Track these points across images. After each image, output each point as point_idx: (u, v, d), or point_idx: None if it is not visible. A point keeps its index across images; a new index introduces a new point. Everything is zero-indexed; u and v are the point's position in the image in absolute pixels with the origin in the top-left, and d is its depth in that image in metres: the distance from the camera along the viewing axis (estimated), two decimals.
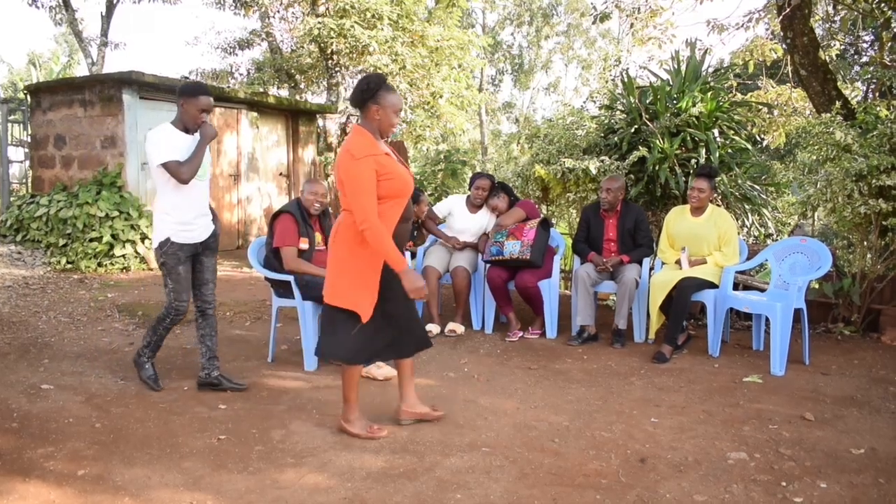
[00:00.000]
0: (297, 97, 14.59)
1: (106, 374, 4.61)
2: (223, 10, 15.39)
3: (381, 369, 4.58)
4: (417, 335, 3.76)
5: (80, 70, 22.73)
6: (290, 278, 4.75)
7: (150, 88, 9.79)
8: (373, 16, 12.58)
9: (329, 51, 13.17)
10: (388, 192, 3.42)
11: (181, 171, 3.98)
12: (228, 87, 13.74)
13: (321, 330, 3.69)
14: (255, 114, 11.56)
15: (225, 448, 3.44)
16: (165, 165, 3.96)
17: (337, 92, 14.40)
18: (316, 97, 15.52)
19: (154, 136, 4.02)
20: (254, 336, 5.75)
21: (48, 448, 3.40)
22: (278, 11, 14.99)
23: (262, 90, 13.32)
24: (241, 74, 15.99)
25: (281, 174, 12.36)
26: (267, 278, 5.00)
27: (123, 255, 8.84)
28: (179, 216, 4.08)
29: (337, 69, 13.96)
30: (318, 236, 4.99)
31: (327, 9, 13.03)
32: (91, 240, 8.78)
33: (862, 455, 3.44)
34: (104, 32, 16.85)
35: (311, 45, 13.42)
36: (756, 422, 3.88)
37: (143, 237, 9.05)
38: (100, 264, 8.70)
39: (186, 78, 12.48)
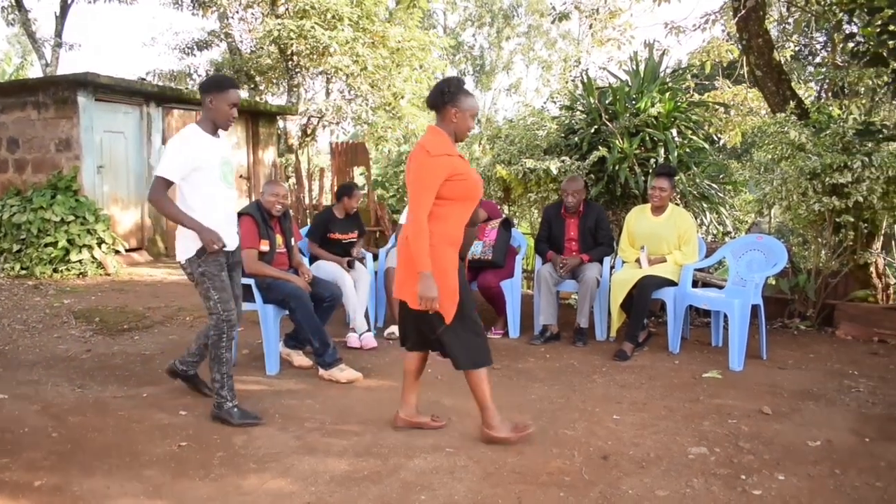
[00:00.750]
0: (257, 98, 14.47)
1: (63, 383, 4.52)
2: (181, 10, 15.22)
3: (344, 372, 4.56)
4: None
5: (34, 72, 22.24)
6: (251, 281, 4.71)
7: (106, 90, 9.64)
8: (333, 17, 12.54)
9: (289, 52, 13.10)
10: (460, 194, 3.41)
11: (154, 195, 3.67)
12: (187, 88, 13.57)
13: (448, 346, 3.49)
14: None
15: (186, 455, 3.40)
16: (156, 179, 3.66)
17: (297, 93, 14.32)
18: (276, 98, 15.42)
19: (176, 143, 3.68)
20: None
21: (3, 459, 3.33)
22: (237, 12, 14.85)
23: None
24: (199, 76, 15.82)
25: (241, 176, 12.24)
26: None
27: (80, 261, 8.67)
28: (213, 224, 3.70)
29: (297, 70, 13.88)
30: (279, 238, 4.95)
31: (287, 9, 12.95)
32: (46, 245, 8.60)
33: (818, 447, 3.52)
34: (58, 33, 16.55)
35: (271, 46, 13.34)
36: (716, 416, 3.94)
37: (100, 242, 8.90)
38: (55, 270, 8.53)
39: (143, 79, 12.32)
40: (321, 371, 4.63)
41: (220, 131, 3.83)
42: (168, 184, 3.65)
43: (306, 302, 4.67)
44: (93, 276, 8.67)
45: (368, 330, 5.52)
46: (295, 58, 13.36)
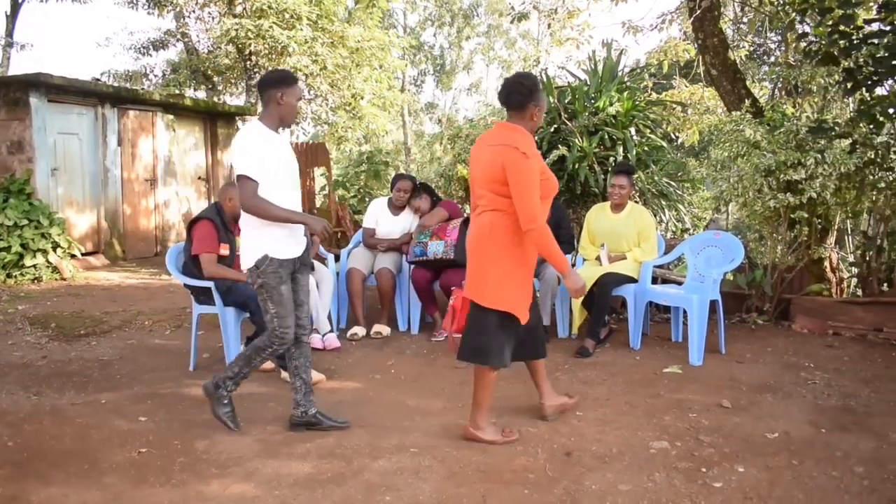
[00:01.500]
0: (215, 99, 14.31)
1: (18, 390, 4.42)
2: (136, 9, 14.95)
3: None
4: (541, 335, 3.86)
5: None
6: (211, 284, 4.65)
7: (60, 91, 9.44)
8: (291, 16, 12.45)
9: (247, 52, 12.98)
10: (545, 193, 3.43)
11: (250, 199, 3.42)
12: (143, 88, 13.36)
13: (467, 331, 3.56)
14: (171, 116, 11.27)
15: (146, 461, 3.35)
16: (242, 180, 3.42)
17: (256, 93, 14.17)
18: (235, 99, 15.24)
19: (243, 139, 3.50)
20: (174, 345, 5.60)
21: None
22: (193, 11, 14.65)
23: (178, 92, 12.99)
24: (155, 76, 15.59)
25: (199, 178, 12.10)
26: (186, 285, 4.88)
27: (34, 266, 8.48)
28: (277, 229, 3.52)
29: (256, 70, 13.75)
30: (239, 241, 4.88)
31: (244, 9, 12.82)
32: None
33: (776, 439, 3.59)
34: (9, 33, 16.18)
35: (229, 45, 13.20)
36: (676, 411, 4.00)
37: (55, 246, 8.71)
38: (9, 275, 8.33)
39: (98, 80, 12.09)
40: (283, 373, 4.58)
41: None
42: (256, 183, 3.42)
43: None
44: (48, 281, 8.49)
45: (331, 331, 5.50)
46: (253, 58, 13.23)
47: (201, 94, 14.81)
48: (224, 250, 4.73)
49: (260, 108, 12.75)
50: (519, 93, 3.44)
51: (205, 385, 3.72)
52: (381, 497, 2.97)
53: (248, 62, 13.54)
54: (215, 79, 14.83)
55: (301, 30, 12.43)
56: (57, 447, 3.52)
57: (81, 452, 3.45)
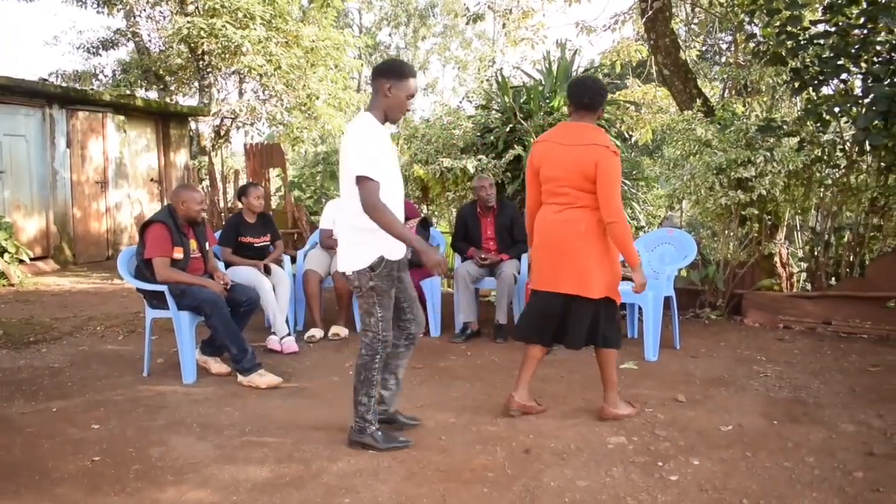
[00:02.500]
0: (168, 99, 14.07)
1: None
2: (84, 8, 14.61)
3: (264, 377, 4.49)
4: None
5: None
6: (164, 288, 4.57)
7: (5, 91, 9.20)
8: (245, 15, 12.30)
9: (200, 51, 12.80)
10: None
11: (376, 203, 3.18)
12: (92, 89, 13.08)
13: (579, 325, 3.70)
14: (122, 117, 11.06)
15: (100, 470, 3.28)
16: (362, 181, 3.19)
17: (209, 94, 13.98)
18: (187, 99, 15.01)
19: (357, 135, 3.26)
20: (127, 350, 5.50)
21: None
22: (144, 10, 14.39)
23: (129, 92, 12.74)
24: (105, 76, 15.25)
25: (152, 180, 11.89)
26: (139, 289, 4.79)
27: None
28: (376, 231, 3.31)
29: (209, 70, 13.57)
30: (193, 244, 4.82)
31: (197, 8, 12.63)
32: None
33: (730, 431, 3.66)
34: None
35: (181, 45, 12.98)
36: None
37: (2, 251, 8.49)
38: None
39: (45, 80, 11.79)
40: (240, 377, 4.53)
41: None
42: (378, 184, 3.20)
43: (222, 307, 4.57)
44: None
45: (289, 333, 5.44)
46: (206, 57, 13.04)
47: (153, 95, 14.54)
48: (178, 253, 4.64)
49: (214, 109, 12.51)
50: (599, 94, 3.66)
51: (352, 441, 3.48)
52: (341, 499, 2.96)
53: (201, 62, 13.35)
54: (167, 79, 14.58)
55: (255, 29, 12.29)
56: (6, 458, 3.43)
57: (32, 463, 3.36)
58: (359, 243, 3.34)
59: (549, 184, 3.67)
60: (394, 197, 3.35)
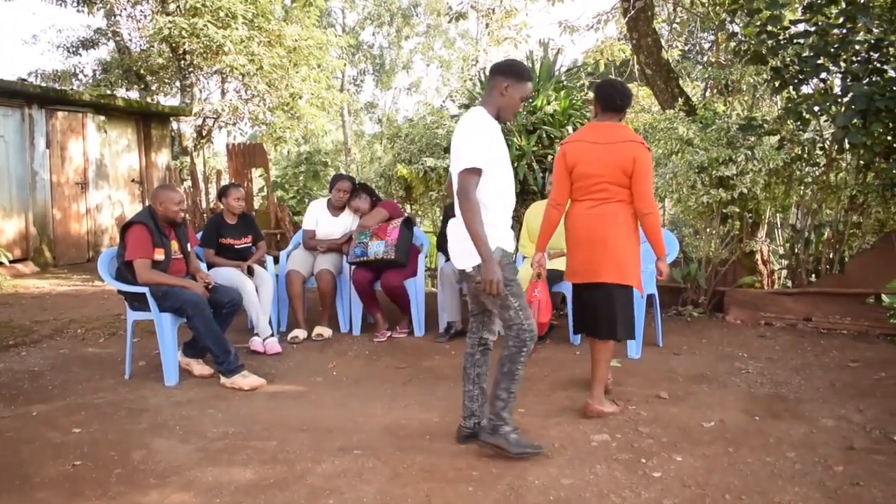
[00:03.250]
0: (149, 99, 13.98)
1: None
2: (64, 6, 14.47)
3: (247, 379, 4.47)
4: None
5: None
6: (145, 290, 4.54)
7: None
8: (226, 15, 12.23)
9: (181, 51, 12.71)
10: None
11: (470, 195, 3.15)
12: (72, 89, 12.97)
13: (610, 313, 3.81)
14: (102, 117, 10.97)
15: (81, 474, 3.25)
16: (465, 172, 3.16)
17: (191, 93, 13.90)
18: (169, 99, 14.91)
19: (470, 125, 3.23)
20: (109, 353, 5.45)
21: None
22: (125, 9, 14.26)
23: (109, 92, 12.64)
24: (86, 76, 15.12)
25: (133, 181, 11.81)
26: (120, 291, 4.76)
27: None
28: (504, 225, 3.35)
29: (190, 70, 13.49)
30: (175, 245, 4.78)
31: (178, 7, 12.54)
32: None
33: (712, 427, 3.68)
34: None
35: (162, 44, 12.89)
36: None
37: None
38: None
39: (24, 80, 11.67)
40: (223, 379, 4.51)
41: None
42: (479, 176, 3.18)
43: (204, 309, 4.54)
44: None
45: (272, 334, 5.42)
46: (188, 57, 12.95)
47: (134, 95, 14.42)
48: (159, 255, 4.61)
49: (196, 108, 12.41)
50: (628, 97, 3.87)
51: (483, 440, 3.35)
52: (325, 501, 2.95)
53: (183, 61, 13.25)
54: (148, 78, 14.47)
55: (237, 29, 12.22)
56: None
57: (12, 467, 3.33)
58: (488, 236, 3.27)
59: (585, 181, 3.79)
60: (506, 190, 3.40)
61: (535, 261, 4.06)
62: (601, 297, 3.82)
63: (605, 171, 3.72)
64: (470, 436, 3.50)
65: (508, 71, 3.36)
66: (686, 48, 13.53)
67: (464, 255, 3.31)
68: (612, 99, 3.81)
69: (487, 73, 3.43)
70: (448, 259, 5.83)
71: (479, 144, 3.18)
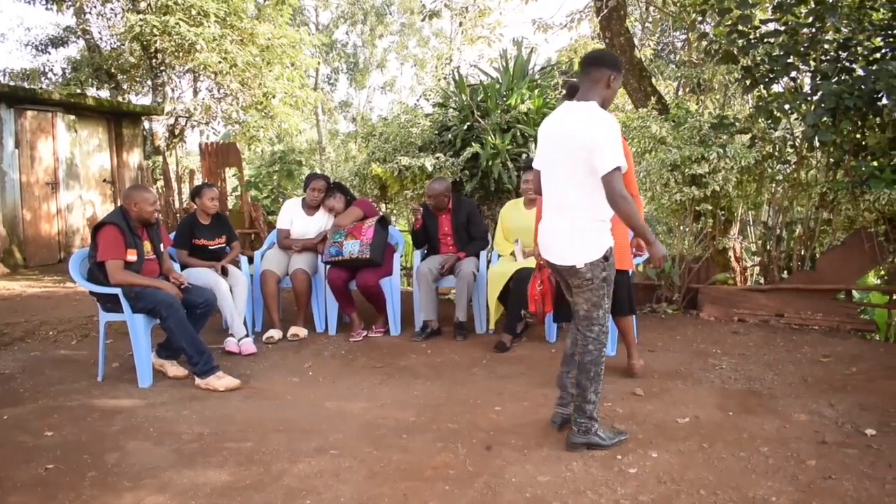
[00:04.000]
0: (120, 98, 13.80)
1: None
2: (32, 4, 14.26)
3: (222, 380, 4.44)
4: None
5: None
6: (118, 291, 4.49)
7: None
8: (198, 13, 12.10)
9: (153, 49, 12.55)
10: None
11: (624, 194, 3.11)
12: (41, 88, 12.78)
13: (628, 292, 4.46)
14: (72, 117, 10.82)
15: (54, 478, 3.21)
16: (613, 172, 3.10)
17: (163, 92, 13.76)
18: (141, 98, 14.75)
19: (605, 125, 3.15)
20: (81, 355, 5.38)
21: None
22: (95, 6, 14.07)
23: (79, 91, 12.47)
24: (55, 74, 14.92)
25: (105, 181, 11.66)
26: (92, 292, 4.70)
27: None
28: (609, 219, 3.33)
29: (162, 69, 13.35)
30: (147, 245, 4.73)
31: (149, 5, 12.40)
32: None
33: (687, 423, 3.72)
34: None
35: (133, 43, 12.73)
36: None
37: None
38: None
39: None
40: (197, 380, 4.48)
41: None
42: (622, 174, 3.14)
43: (178, 309, 4.50)
44: None
45: (247, 335, 5.38)
46: (159, 55, 12.80)
47: (105, 94, 14.24)
48: (131, 256, 4.56)
49: (168, 107, 12.20)
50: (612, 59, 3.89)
51: (574, 444, 3.38)
52: (302, 501, 2.94)
53: (154, 60, 13.11)
54: (119, 77, 14.28)
55: (209, 27, 12.11)
56: None
57: None
58: (594, 233, 3.28)
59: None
60: (632, 186, 3.60)
61: (536, 254, 4.12)
62: (624, 280, 4.39)
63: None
64: (566, 422, 3.56)
65: (613, 63, 3.33)
66: (658, 47, 13.64)
67: (574, 250, 3.29)
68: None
69: (583, 65, 3.35)
70: (425, 256, 5.84)
71: (618, 143, 3.15)
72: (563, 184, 3.29)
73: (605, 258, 3.28)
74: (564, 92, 3.65)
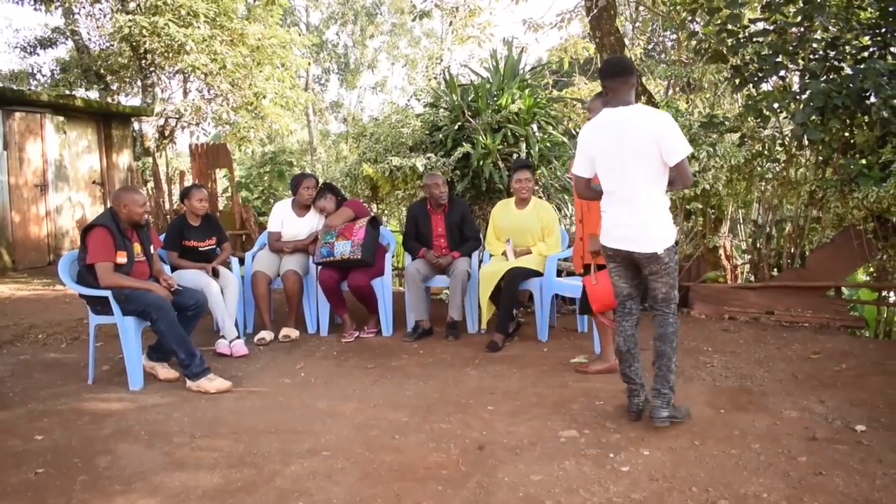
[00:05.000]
0: (109, 99, 13.74)
1: None
2: (20, 5, 14.16)
3: (213, 382, 4.42)
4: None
5: None
6: (108, 294, 4.47)
7: None
8: (188, 13, 12.07)
9: (142, 50, 12.50)
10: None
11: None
12: (30, 89, 12.71)
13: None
14: (61, 118, 10.76)
15: (44, 482, 3.19)
16: (685, 160, 3.50)
17: (153, 93, 13.71)
18: (130, 99, 14.68)
19: (666, 117, 3.54)
20: (71, 358, 5.35)
21: None
22: (83, 7, 14.00)
23: (68, 92, 12.40)
24: (44, 76, 14.81)
25: (94, 182, 11.60)
26: (82, 295, 4.68)
27: None
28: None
29: (152, 69, 13.30)
30: (137, 247, 4.71)
31: (138, 5, 12.35)
32: None
33: (679, 421, 3.72)
34: None
35: (123, 43, 12.67)
36: (584, 400, 4.10)
37: None
38: None
39: None
40: (189, 382, 4.46)
41: None
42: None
43: (168, 311, 4.48)
44: None
45: (238, 337, 5.37)
46: (149, 56, 12.75)
47: (94, 95, 14.16)
48: (121, 258, 4.53)
49: (158, 108, 12.14)
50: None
51: (659, 418, 3.61)
52: (294, 503, 2.93)
53: (144, 61, 13.05)
54: (109, 78, 14.21)
55: (198, 27, 12.07)
56: None
57: None
58: (668, 221, 3.62)
59: None
60: None
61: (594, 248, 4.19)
62: None
63: None
64: (642, 410, 3.79)
65: (634, 68, 3.71)
66: (649, 47, 13.68)
67: (655, 238, 3.57)
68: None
69: (616, 74, 3.63)
70: (415, 258, 5.84)
71: (680, 132, 3.53)
72: (638, 179, 3.54)
73: (676, 243, 3.65)
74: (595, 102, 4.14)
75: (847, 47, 5.94)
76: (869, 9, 6.02)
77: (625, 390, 3.85)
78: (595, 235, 4.10)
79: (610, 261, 3.79)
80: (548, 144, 6.94)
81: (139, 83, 13.89)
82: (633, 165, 3.52)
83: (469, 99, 7.01)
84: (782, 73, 6.26)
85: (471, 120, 6.71)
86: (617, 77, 3.59)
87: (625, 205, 3.61)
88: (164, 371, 4.74)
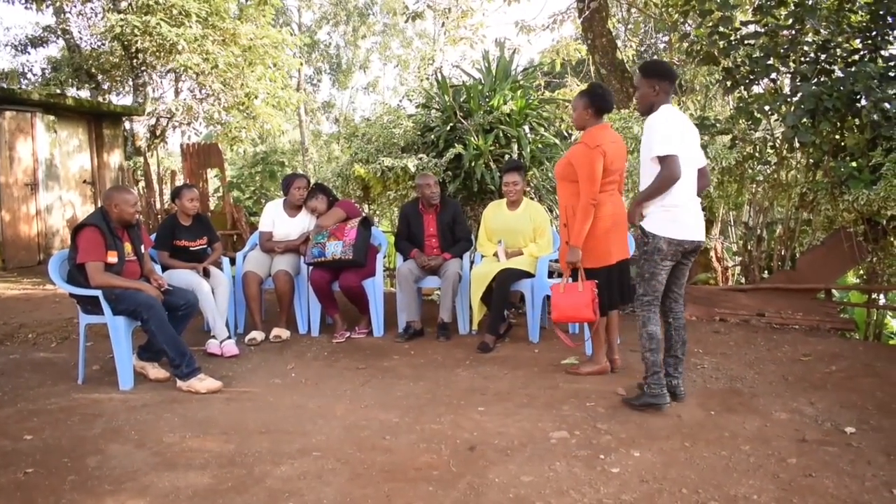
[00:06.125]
0: (100, 98, 13.69)
1: None
2: (11, 4, 14.10)
3: (204, 382, 4.41)
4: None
5: None
6: (98, 293, 4.45)
7: None
8: (180, 12, 12.03)
9: (134, 49, 12.46)
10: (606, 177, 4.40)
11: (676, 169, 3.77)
12: (20, 88, 12.65)
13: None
14: (52, 117, 10.72)
15: (33, 482, 3.17)
16: (669, 157, 3.75)
17: (144, 93, 13.66)
18: (121, 98, 14.63)
19: (662, 118, 3.80)
20: (61, 358, 5.32)
21: None
22: (75, 6, 13.94)
23: (59, 91, 12.35)
24: (34, 75, 14.75)
25: (85, 181, 11.55)
26: (72, 295, 4.65)
27: None
28: (692, 209, 3.99)
29: (143, 69, 13.25)
30: (128, 247, 4.69)
31: (130, 5, 12.31)
32: None
33: (669, 423, 3.74)
34: None
35: (114, 43, 12.64)
36: (575, 401, 4.10)
37: None
38: None
39: None
40: (179, 382, 4.44)
41: None
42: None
43: (159, 311, 4.46)
44: None
45: (229, 337, 5.35)
46: (140, 55, 12.71)
47: (85, 94, 14.11)
48: (112, 257, 4.51)
49: (149, 108, 12.11)
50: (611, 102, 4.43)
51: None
52: (284, 503, 2.92)
53: (135, 60, 13.01)
54: (100, 77, 14.16)
55: (190, 27, 12.04)
56: None
57: None
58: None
59: (614, 175, 4.38)
60: (691, 184, 3.98)
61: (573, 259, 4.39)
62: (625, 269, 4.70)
63: (622, 166, 4.46)
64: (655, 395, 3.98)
65: (666, 74, 3.98)
66: (641, 48, 13.71)
67: (702, 227, 3.99)
68: (609, 104, 4.38)
69: (663, 75, 3.95)
70: (406, 259, 5.83)
71: (671, 130, 3.79)
72: (697, 175, 3.96)
73: None
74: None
75: (838, 50, 5.98)
76: (860, 12, 6.06)
77: (657, 378, 3.93)
78: (575, 247, 4.29)
79: (674, 257, 3.95)
80: (539, 146, 6.94)
81: (130, 82, 13.84)
82: (697, 162, 3.96)
83: (461, 100, 7.01)
84: (773, 75, 6.29)
85: (462, 121, 6.71)
86: (667, 79, 3.90)
87: (695, 199, 3.97)
88: (155, 371, 4.72)
